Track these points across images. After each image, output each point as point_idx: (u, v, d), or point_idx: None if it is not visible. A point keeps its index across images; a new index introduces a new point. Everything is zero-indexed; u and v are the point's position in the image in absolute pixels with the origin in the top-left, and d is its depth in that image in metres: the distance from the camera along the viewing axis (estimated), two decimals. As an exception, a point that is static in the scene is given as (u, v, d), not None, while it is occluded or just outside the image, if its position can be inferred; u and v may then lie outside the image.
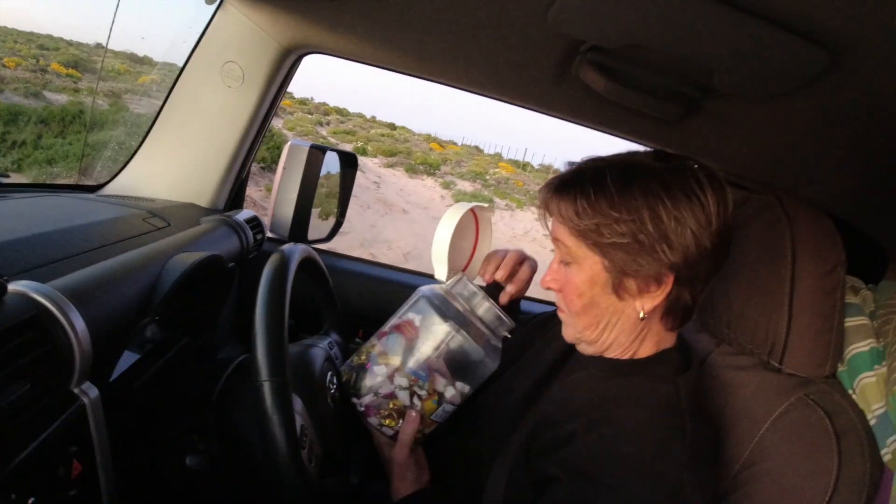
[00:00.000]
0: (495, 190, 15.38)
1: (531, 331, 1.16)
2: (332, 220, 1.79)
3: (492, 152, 27.81)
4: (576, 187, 0.82)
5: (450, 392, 0.97)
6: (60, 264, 0.84)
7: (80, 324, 0.67)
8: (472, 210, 1.08)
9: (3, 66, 13.54)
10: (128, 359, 0.91)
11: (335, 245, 1.77)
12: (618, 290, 0.82)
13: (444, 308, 0.97)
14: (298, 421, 0.81)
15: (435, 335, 0.95)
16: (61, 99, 11.45)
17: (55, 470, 0.65)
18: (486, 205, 1.15)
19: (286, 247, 0.93)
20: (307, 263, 1.07)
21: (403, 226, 9.76)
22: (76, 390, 0.69)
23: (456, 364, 0.96)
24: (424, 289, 1.03)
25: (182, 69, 1.40)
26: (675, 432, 0.77)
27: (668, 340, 0.89)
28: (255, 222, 1.42)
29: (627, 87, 1.10)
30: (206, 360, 1.11)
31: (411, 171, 15.88)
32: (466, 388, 0.98)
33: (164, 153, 1.44)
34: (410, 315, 1.00)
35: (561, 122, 1.51)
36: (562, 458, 0.79)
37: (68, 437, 0.67)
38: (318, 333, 1.21)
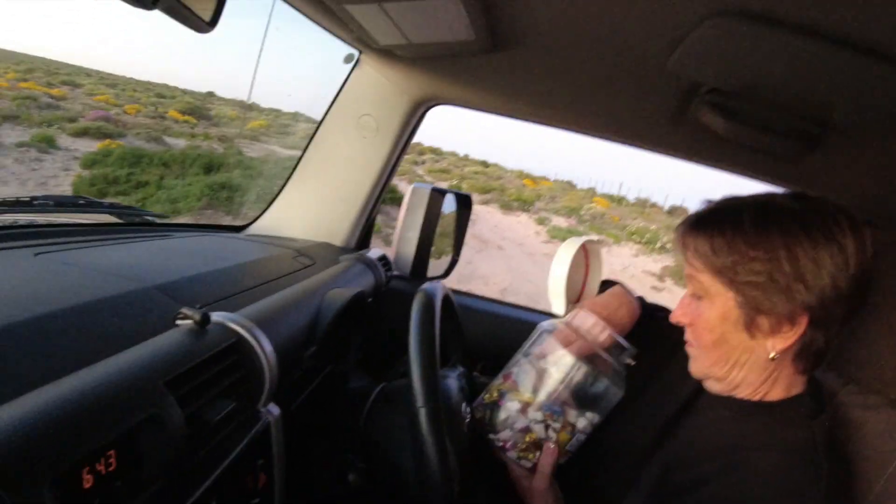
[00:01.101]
0: (591, 225, 15.16)
1: (662, 343, 1.11)
2: (444, 258, 1.88)
3: (585, 187, 27.49)
4: (713, 225, 0.84)
5: (581, 423, 0.98)
6: (238, 297, 0.96)
7: (269, 349, 0.77)
8: (583, 245, 1.12)
9: (125, 112, 14.97)
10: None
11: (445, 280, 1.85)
12: (749, 327, 0.82)
13: (567, 340, 0.99)
14: (447, 445, 0.87)
15: (561, 368, 0.97)
16: (180, 143, 12.47)
17: (245, 480, 0.74)
18: (596, 238, 1.18)
19: (428, 285, 1.00)
20: (443, 300, 1.15)
21: (499, 262, 9.80)
22: (263, 409, 0.78)
23: (584, 394, 0.98)
24: (545, 324, 1.04)
25: (321, 122, 1.54)
26: (810, 477, 0.77)
27: (800, 384, 0.87)
28: (384, 260, 1.53)
29: (746, 126, 1.11)
30: (342, 387, 1.20)
31: (506, 207, 15.97)
32: (596, 418, 0.99)
33: (303, 197, 1.58)
34: (535, 350, 1.02)
35: (656, 155, 1.52)
36: (697, 500, 0.80)
37: (256, 452, 0.76)
38: (447, 366, 1.27)
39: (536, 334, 1.05)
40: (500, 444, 0.99)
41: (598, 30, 0.95)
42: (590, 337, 1.00)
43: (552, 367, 0.98)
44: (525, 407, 0.98)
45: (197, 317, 0.71)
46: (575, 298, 1.19)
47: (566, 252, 1.06)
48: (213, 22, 0.66)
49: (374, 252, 1.52)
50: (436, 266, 1.79)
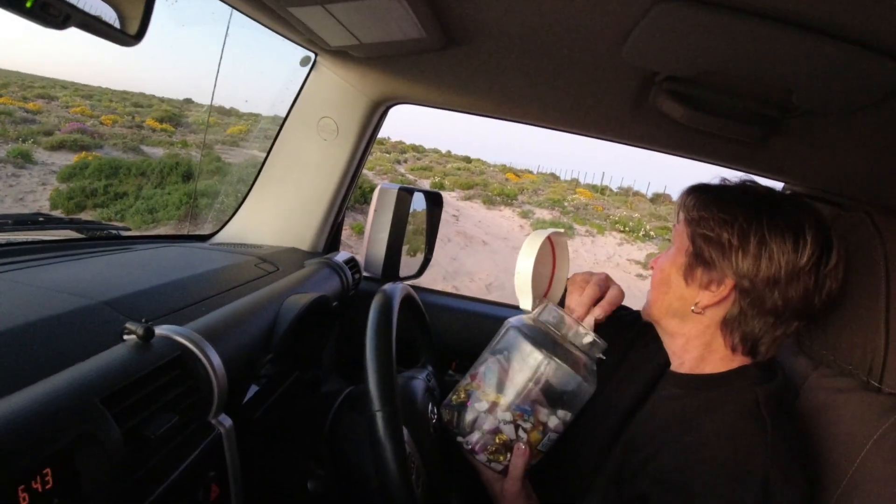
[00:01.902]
0: (574, 217, 15.21)
1: (624, 335, 1.18)
2: (419, 257, 1.88)
3: (568, 178, 27.60)
4: (704, 189, 0.97)
5: (553, 421, 0.96)
6: (191, 309, 0.95)
7: (217, 361, 0.77)
8: (548, 238, 1.09)
9: (102, 123, 14.83)
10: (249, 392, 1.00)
11: (419, 279, 1.85)
12: (687, 275, 0.92)
13: (535, 337, 0.97)
14: (405, 448, 0.87)
15: (529, 365, 0.95)
16: (157, 152, 12.37)
17: (196, 493, 0.73)
18: (561, 230, 1.14)
19: (388, 286, 1.00)
20: (406, 301, 1.14)
21: (484, 257, 9.82)
22: (213, 421, 0.78)
23: (554, 392, 0.95)
24: (513, 320, 1.02)
25: (281, 126, 1.53)
26: (756, 434, 0.80)
27: (738, 362, 0.92)
28: (352, 263, 1.52)
29: (705, 113, 1.12)
30: (312, 393, 1.19)
31: (489, 202, 15.99)
32: (568, 416, 0.97)
33: (268, 203, 1.57)
34: (501, 348, 1.00)
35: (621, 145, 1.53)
36: (650, 474, 0.83)
37: (207, 464, 0.75)
38: (417, 366, 1.27)
39: (503, 331, 1.03)
40: (469, 446, 0.97)
41: (549, 22, 0.95)
42: (559, 332, 0.98)
43: (520, 365, 0.96)
44: (493, 407, 0.96)
45: (140, 331, 0.70)
46: (543, 293, 1.16)
47: (531, 246, 1.02)
48: (139, 35, 0.65)
49: (342, 255, 1.52)
50: (409, 266, 1.79)
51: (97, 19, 0.58)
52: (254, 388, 1.00)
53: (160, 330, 0.76)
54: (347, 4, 0.96)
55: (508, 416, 0.94)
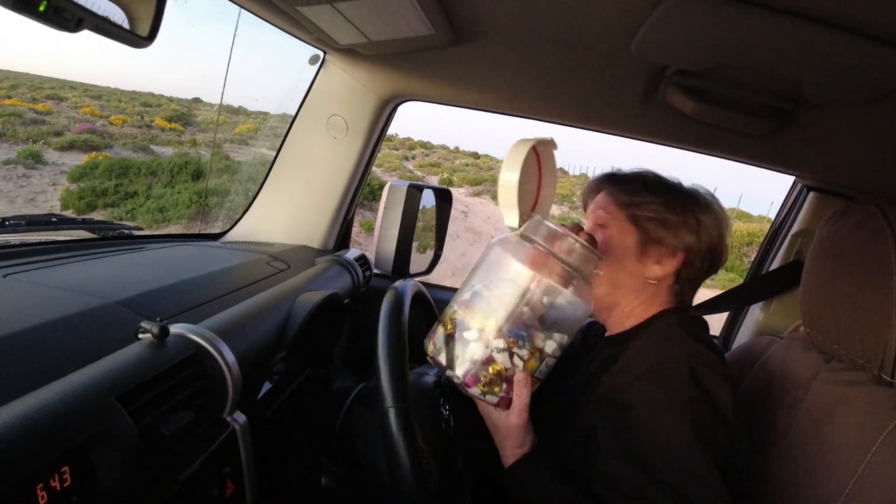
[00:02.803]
0: (582, 212, 15.14)
1: None
2: (429, 253, 1.88)
3: (577, 174, 27.50)
4: (622, 177, 1.07)
5: (550, 346, 0.89)
6: (205, 307, 0.96)
7: (231, 358, 0.77)
8: (533, 147, 0.98)
9: (111, 123, 14.91)
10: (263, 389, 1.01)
11: (429, 275, 1.85)
12: (641, 255, 1.00)
13: (523, 252, 0.88)
14: (417, 444, 0.87)
15: (518, 284, 0.86)
16: (167, 151, 12.43)
17: (211, 490, 0.74)
18: (549, 138, 1.01)
19: (398, 283, 1.00)
20: (417, 297, 1.14)
21: (493, 253, 9.79)
22: (228, 418, 0.78)
23: (548, 313, 0.88)
24: (497, 237, 0.94)
25: (291, 124, 1.54)
26: (675, 343, 0.90)
27: (657, 308, 1.02)
28: (363, 260, 1.52)
29: (716, 106, 1.11)
30: (325, 389, 1.20)
31: (497, 198, 15.93)
32: (565, 339, 0.91)
33: (279, 201, 1.58)
34: (487, 268, 0.92)
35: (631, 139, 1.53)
36: (592, 404, 0.91)
37: (222, 460, 0.76)
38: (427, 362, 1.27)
39: (487, 250, 0.95)
40: (460, 381, 0.88)
41: (558, 17, 0.95)
42: (549, 246, 0.89)
43: (509, 286, 0.88)
44: (485, 336, 0.87)
45: (155, 330, 0.71)
46: (529, 208, 1.04)
47: (516, 157, 0.91)
48: (150, 37, 0.65)
49: (352, 253, 1.52)
50: (419, 262, 1.79)
51: (109, 22, 0.59)
52: (267, 385, 1.00)
53: (175, 329, 0.77)
54: (356, 2, 0.96)
55: (501, 343, 0.86)
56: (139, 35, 0.65)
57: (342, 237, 1.67)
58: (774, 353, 1.10)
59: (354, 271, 1.44)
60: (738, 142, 1.30)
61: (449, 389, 1.16)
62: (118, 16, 0.62)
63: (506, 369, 0.87)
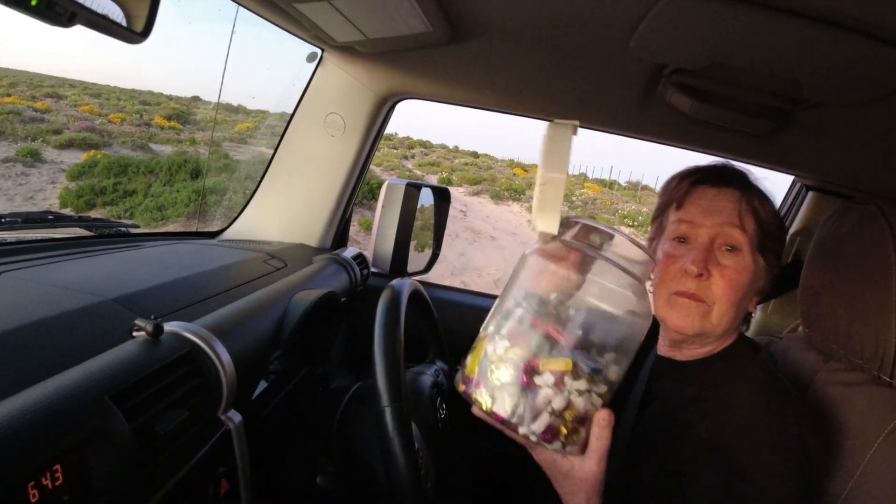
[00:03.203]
0: (583, 211, 15.17)
1: None
2: (427, 252, 1.88)
3: (576, 173, 27.51)
4: (769, 198, 0.95)
5: (615, 372, 0.73)
6: (201, 305, 0.95)
7: (226, 357, 0.77)
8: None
9: (110, 121, 14.90)
10: (258, 388, 1.00)
11: (427, 274, 1.85)
12: (759, 290, 0.93)
13: (577, 263, 0.74)
14: (414, 443, 0.87)
15: (580, 302, 0.72)
16: (166, 150, 12.42)
17: (206, 488, 0.74)
18: (575, 122, 0.78)
19: (396, 282, 1.00)
20: (414, 296, 1.14)
21: (492, 252, 9.81)
22: (223, 417, 0.78)
23: (608, 331, 0.73)
24: (531, 248, 0.79)
25: (288, 122, 1.53)
26: (783, 396, 0.83)
27: (731, 338, 0.95)
28: (360, 259, 1.52)
29: (715, 106, 1.11)
30: (322, 388, 1.20)
31: (497, 197, 15.96)
32: (626, 362, 0.75)
33: (276, 199, 1.58)
34: (530, 286, 0.75)
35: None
36: (682, 449, 0.83)
37: (217, 459, 0.76)
38: (425, 362, 1.27)
39: (526, 266, 0.79)
40: (536, 438, 0.70)
41: (555, 15, 0.95)
42: (602, 251, 0.74)
43: (565, 307, 0.72)
44: (561, 379, 0.69)
45: (150, 328, 0.70)
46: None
47: (560, 148, 0.75)
48: (145, 32, 0.65)
49: (350, 251, 1.52)
50: (417, 261, 1.79)
51: (103, 17, 0.58)
52: (263, 384, 1.00)
53: (169, 326, 0.76)
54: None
55: (583, 385, 0.70)
56: (133, 30, 0.64)
57: (340, 235, 1.66)
58: (773, 353, 1.10)
59: (352, 270, 1.44)
60: (737, 141, 1.30)
61: (446, 389, 1.16)
62: (113, 11, 0.61)
63: (585, 411, 0.72)
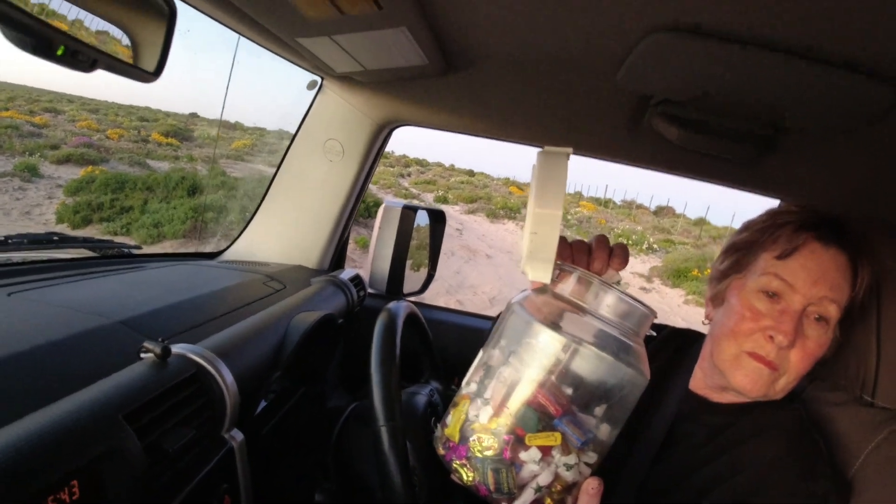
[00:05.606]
0: (577, 229, 15.25)
1: (661, 356, 1.06)
2: (423, 272, 1.91)
3: (572, 192, 27.64)
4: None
5: (606, 431, 0.68)
6: (204, 327, 0.99)
7: (229, 378, 0.80)
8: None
9: (108, 137, 14.95)
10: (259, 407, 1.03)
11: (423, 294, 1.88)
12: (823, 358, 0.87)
13: (572, 322, 0.67)
14: (409, 461, 0.90)
15: (549, 356, 0.65)
16: (164, 166, 12.45)
17: (210, 503, 0.77)
18: (569, 150, 0.71)
19: (392, 305, 1.03)
20: (410, 319, 1.17)
21: (488, 270, 9.83)
22: (226, 435, 0.81)
23: (596, 392, 0.66)
24: (518, 297, 0.75)
25: (288, 147, 1.58)
26: (814, 454, 0.82)
27: None
28: (357, 280, 1.56)
29: (700, 134, 1.14)
30: (319, 408, 1.23)
31: (492, 216, 16.03)
32: (622, 422, 0.70)
33: (275, 222, 1.61)
34: (518, 344, 0.69)
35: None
36: (713, 498, 0.81)
37: (220, 476, 0.79)
38: (420, 382, 1.30)
39: (511, 318, 0.73)
40: None
41: (545, 49, 0.99)
42: (590, 303, 0.69)
43: (551, 374, 0.65)
44: (549, 452, 0.65)
45: (158, 350, 0.74)
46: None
47: (555, 181, 0.69)
48: (157, 72, 0.69)
49: (347, 273, 1.55)
50: (413, 281, 1.82)
51: (120, 61, 0.63)
52: (263, 403, 1.03)
53: (176, 349, 0.80)
54: (353, 35, 1.00)
55: (573, 460, 0.65)
56: (147, 71, 0.69)
57: (337, 257, 1.70)
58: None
59: (349, 291, 1.47)
60: (723, 167, 1.33)
61: (441, 409, 1.19)
62: (128, 54, 0.66)
63: (573, 481, 0.67)
